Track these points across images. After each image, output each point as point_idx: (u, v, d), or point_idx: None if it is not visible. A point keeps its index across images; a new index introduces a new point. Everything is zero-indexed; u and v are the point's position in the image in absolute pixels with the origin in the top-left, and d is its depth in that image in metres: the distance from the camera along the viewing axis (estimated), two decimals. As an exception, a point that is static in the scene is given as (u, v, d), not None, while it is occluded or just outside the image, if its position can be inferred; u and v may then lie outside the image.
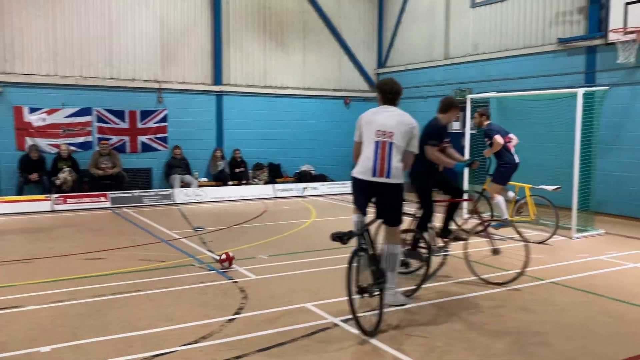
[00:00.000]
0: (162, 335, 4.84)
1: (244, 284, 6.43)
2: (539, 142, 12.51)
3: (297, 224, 10.57)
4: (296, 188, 15.20)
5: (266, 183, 15.42)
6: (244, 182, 15.18)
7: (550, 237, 8.92)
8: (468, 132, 11.38)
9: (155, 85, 14.65)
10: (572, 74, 12.21)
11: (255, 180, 15.57)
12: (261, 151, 16.19)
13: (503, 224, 9.05)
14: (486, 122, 9.65)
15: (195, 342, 4.69)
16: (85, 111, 13.84)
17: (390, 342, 4.71)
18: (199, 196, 13.81)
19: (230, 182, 14.97)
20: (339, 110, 17.42)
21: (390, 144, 5.05)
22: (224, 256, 7.15)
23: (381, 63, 18.04)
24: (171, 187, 14.03)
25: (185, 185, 14.27)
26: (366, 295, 4.79)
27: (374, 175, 5.02)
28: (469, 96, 11.71)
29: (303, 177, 16.19)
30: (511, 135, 9.63)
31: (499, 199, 9.38)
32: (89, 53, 13.85)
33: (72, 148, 13.56)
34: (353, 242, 4.97)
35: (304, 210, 12.52)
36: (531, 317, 5.39)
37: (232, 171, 15.29)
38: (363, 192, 5.17)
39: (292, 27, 16.64)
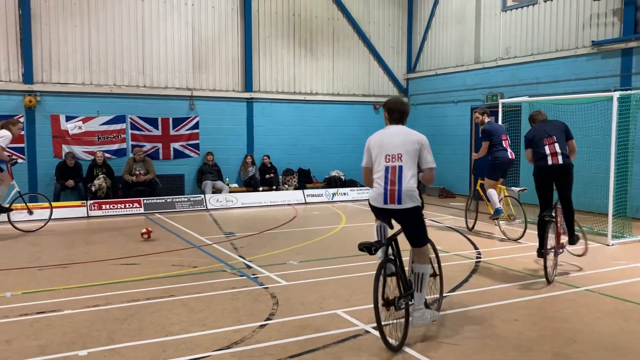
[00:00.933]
0: (195, 340, 4.91)
1: (275, 289, 6.47)
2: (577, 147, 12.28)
3: (327, 230, 10.60)
4: (326, 193, 15.24)
5: (296, 188, 15.50)
6: (274, 187, 15.29)
7: (522, 236, 9.32)
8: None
9: (187, 93, 14.89)
10: (607, 77, 11.98)
11: (285, 185, 15.66)
12: (291, 157, 16.29)
13: (497, 213, 9.60)
14: (487, 120, 10.00)
15: (228, 347, 4.74)
16: (119, 119, 14.14)
17: (422, 350, 4.69)
18: (230, 202, 13.95)
19: (260, 188, 15.09)
20: (369, 116, 17.40)
21: (400, 167, 4.87)
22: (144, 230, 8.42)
23: (411, 68, 17.98)
24: (203, 193, 14.22)
25: (216, 191, 14.44)
26: (392, 308, 4.71)
27: (385, 202, 4.87)
28: (501, 101, 11.59)
29: (333, 182, 16.22)
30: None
31: (491, 191, 9.68)
32: (122, 62, 14.17)
33: (107, 155, 13.86)
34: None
35: (334, 216, 12.54)
36: (566, 326, 5.30)
37: (263, 177, 15.42)
38: (381, 215, 5.07)
39: (321, 34, 16.73)
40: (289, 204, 14.40)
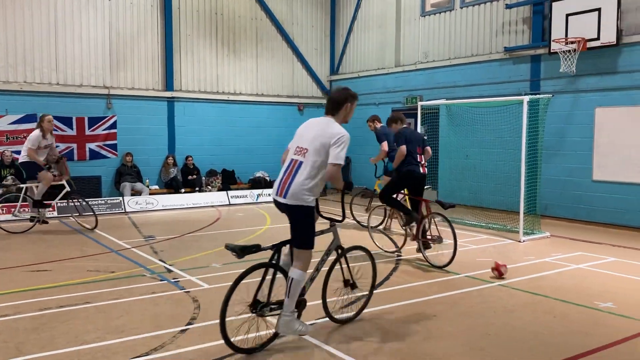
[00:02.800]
0: (112, 348, 4.72)
1: (196, 293, 6.34)
2: (488, 148, 12.89)
3: (252, 231, 10.51)
4: (251, 195, 15.12)
5: (220, 190, 15.28)
6: (196, 189, 15.00)
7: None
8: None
9: (104, 91, 14.33)
10: (518, 81, 12.63)
11: (209, 187, 15.40)
12: (214, 158, 16.04)
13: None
14: (379, 125, 10.09)
15: (147, 354, 4.59)
16: (30, 118, 13.37)
17: (343, 348, 4.73)
18: (151, 204, 13.55)
19: (182, 190, 14.76)
20: (293, 117, 17.45)
21: (300, 163, 4.76)
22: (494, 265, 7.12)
23: (334, 70, 18.19)
24: (121, 195, 13.72)
25: (136, 193, 13.98)
26: (263, 311, 4.67)
27: (276, 193, 4.80)
28: (420, 103, 11.95)
29: (257, 183, 16.12)
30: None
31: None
32: (33, 58, 13.43)
33: (16, 156, 13.07)
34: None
35: (258, 217, 12.46)
36: (480, 320, 5.52)
37: (185, 178, 15.09)
38: (276, 207, 4.91)
39: (244, 33, 16.60)
40: (212, 206, 14.17)
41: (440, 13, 14.69)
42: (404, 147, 7.95)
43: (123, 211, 13.07)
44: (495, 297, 6.31)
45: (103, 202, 13.07)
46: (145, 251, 8.66)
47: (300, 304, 4.84)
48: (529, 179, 10.08)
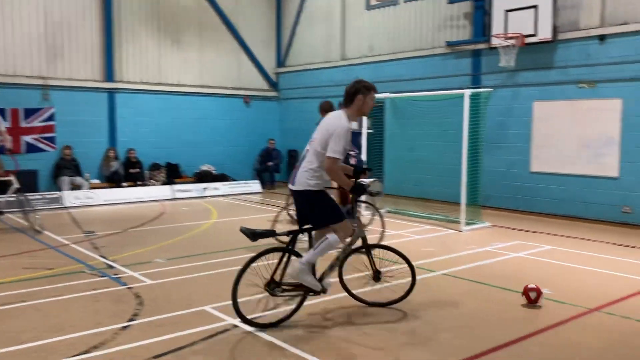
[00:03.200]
0: (50, 347, 4.56)
1: (139, 289, 6.20)
2: (431, 141, 13.15)
3: (197, 226, 10.36)
4: (196, 189, 14.89)
5: (164, 184, 14.97)
6: (139, 183, 14.64)
7: (370, 222, 8.85)
8: (365, 131, 11.71)
9: (40, 82, 13.75)
10: (460, 75, 12.92)
11: (152, 181, 15.06)
12: (158, 151, 15.68)
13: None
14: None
15: (87, 352, 4.46)
16: (-41, 109, 12.71)
17: (290, 340, 4.73)
18: (91, 199, 13.14)
19: (124, 184, 14.37)
20: (239, 109, 17.28)
21: (307, 151, 5.08)
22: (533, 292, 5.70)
23: (280, 62, 18.10)
24: (60, 189, 13.24)
25: (75, 187, 13.52)
26: (275, 291, 4.99)
27: (291, 182, 5.15)
28: (365, 96, 12.01)
29: (203, 177, 15.88)
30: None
31: None
32: (-38, 46, 12.74)
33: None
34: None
35: (204, 211, 12.29)
36: (424, 308, 5.63)
37: (127, 172, 14.69)
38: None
39: (187, 24, 16.26)
40: (156, 200, 13.87)
41: (384, 7, 14.83)
42: None
43: (62, 206, 12.62)
44: (439, 286, 6.45)
45: (40, 197, 12.57)
46: (85, 247, 8.39)
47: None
48: (471, 171, 10.35)
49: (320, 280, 5.15)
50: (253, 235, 5.00)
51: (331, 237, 4.96)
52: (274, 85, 18.07)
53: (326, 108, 8.52)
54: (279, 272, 5.01)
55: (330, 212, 5.03)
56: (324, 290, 5.15)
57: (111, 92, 14.89)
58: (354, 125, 14.46)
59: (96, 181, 14.39)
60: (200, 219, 11.19)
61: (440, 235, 9.45)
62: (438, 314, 5.49)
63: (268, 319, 5.13)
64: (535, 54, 11.50)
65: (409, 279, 5.60)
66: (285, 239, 5.20)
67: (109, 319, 5.22)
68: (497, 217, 11.28)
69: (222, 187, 15.34)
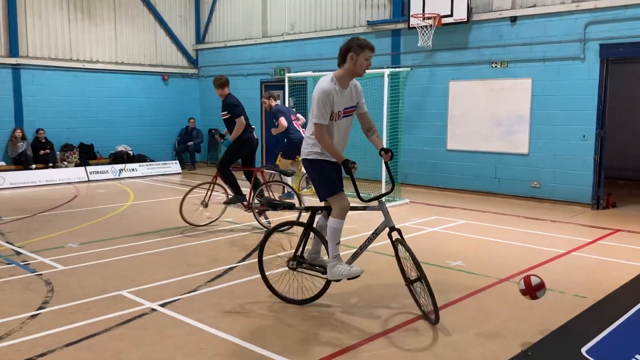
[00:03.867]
0: (-52, 341, 4.25)
1: (49, 276, 5.90)
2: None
3: (113, 208, 9.98)
4: (112, 170, 14.33)
5: (77, 165, 14.28)
6: (50, 165, 13.89)
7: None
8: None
9: None
10: (380, 55, 13.03)
11: (65, 162, 14.33)
12: (70, 131, 14.91)
13: (290, 194, 10.01)
14: (274, 104, 10.42)
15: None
16: None
17: (209, 322, 4.67)
18: (-3, 182, 12.34)
19: (33, 166, 13.59)
20: (157, 87, 16.71)
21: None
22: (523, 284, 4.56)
23: (200, 39, 17.61)
24: (-39, 173, 12.34)
25: (-22, 170, 12.64)
26: (299, 267, 5.08)
27: None
28: (287, 75, 11.96)
29: (119, 158, 15.28)
30: (298, 115, 10.66)
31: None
32: None
33: None
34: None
35: (121, 193, 11.85)
36: (350, 284, 5.71)
37: (36, 153, 13.88)
38: None
39: (100, -3, 15.45)
40: (69, 183, 13.23)
41: (306, -16, 14.70)
42: (243, 118, 8.24)
43: (-37, 190, 11.78)
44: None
45: (-62, 181, 11.68)
46: (-11, 233, 7.88)
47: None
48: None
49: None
50: (273, 205, 5.11)
51: (330, 222, 4.76)
52: (193, 62, 17.58)
53: (216, 84, 8.43)
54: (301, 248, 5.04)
55: (320, 186, 4.84)
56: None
57: (16, 68, 13.96)
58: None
59: (2, 163, 13.51)
60: (116, 201, 10.79)
61: (361, 213, 9.57)
62: (357, 287, 5.58)
63: (298, 295, 5.14)
64: (451, 34, 11.81)
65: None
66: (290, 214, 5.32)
67: (16, 308, 4.94)
68: (415, 194, 11.61)
69: (139, 168, 14.84)
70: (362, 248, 5.03)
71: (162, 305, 5.02)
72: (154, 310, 4.92)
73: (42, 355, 4.02)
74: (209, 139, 17.25)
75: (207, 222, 8.49)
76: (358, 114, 5.01)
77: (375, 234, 4.96)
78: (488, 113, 11.47)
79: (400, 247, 4.77)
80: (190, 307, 5.02)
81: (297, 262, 5.06)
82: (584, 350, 3.99)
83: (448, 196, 11.56)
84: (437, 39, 11.71)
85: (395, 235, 4.81)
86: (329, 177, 4.81)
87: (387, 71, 10.10)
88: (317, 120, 4.63)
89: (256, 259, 5.43)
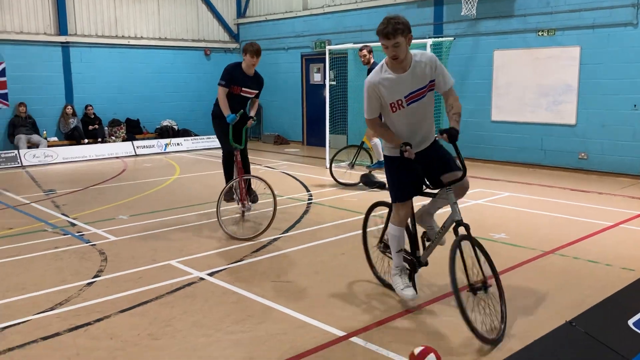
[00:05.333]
0: (13, 305, 4.53)
1: (102, 246, 6.16)
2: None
3: (160, 182, 10.26)
4: (158, 144, 14.68)
5: (124, 140, 14.69)
6: (99, 140, 14.33)
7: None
8: (328, 83, 11.63)
9: (-12, 36, 13.15)
10: (422, 25, 12.83)
11: (112, 137, 14.76)
12: (117, 106, 15.30)
13: (379, 165, 9.41)
14: (372, 60, 9.22)
15: (52, 309, 4.45)
16: None
17: (255, 290, 4.81)
18: (50, 157, 12.83)
19: (85, 141, 14.05)
20: (200, 62, 16.89)
21: None
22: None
23: (241, 13, 17.65)
24: (16, 148, 12.86)
25: (32, 145, 13.17)
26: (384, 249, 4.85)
27: None
28: (328, 47, 11.91)
29: (165, 132, 15.63)
30: None
31: (376, 140, 9.36)
32: None
33: None
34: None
35: (167, 167, 12.16)
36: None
37: (86, 129, 14.34)
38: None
39: (143, -27, 15.64)
40: (117, 157, 13.64)
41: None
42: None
43: (19, 165, 12.30)
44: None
45: (-4, 156, 12.22)
46: (46, 205, 8.25)
47: (411, 265, 4.49)
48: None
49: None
50: (369, 183, 5.01)
51: (389, 228, 4.44)
52: (234, 36, 17.67)
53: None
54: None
55: (390, 187, 4.44)
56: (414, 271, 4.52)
57: (65, 47, 14.34)
58: (317, 77, 14.03)
59: (54, 139, 14.02)
60: (162, 175, 11.08)
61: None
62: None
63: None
64: (495, 2, 11.49)
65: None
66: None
67: (73, 276, 5.20)
68: (459, 166, 11.47)
69: (184, 143, 15.15)
70: (430, 248, 4.47)
71: (210, 275, 5.20)
72: (202, 279, 5.11)
73: (98, 320, 4.24)
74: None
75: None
76: (440, 93, 4.28)
77: (444, 228, 4.28)
78: (534, 83, 11.18)
79: (466, 246, 3.98)
80: (237, 276, 5.19)
81: (384, 244, 4.80)
82: (630, 322, 3.95)
83: (492, 168, 11.40)
84: (481, 7, 11.42)
85: (461, 230, 4.05)
86: (398, 181, 4.30)
87: (429, 41, 9.94)
88: (365, 114, 4.30)
89: (299, 230, 5.55)
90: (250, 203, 7.10)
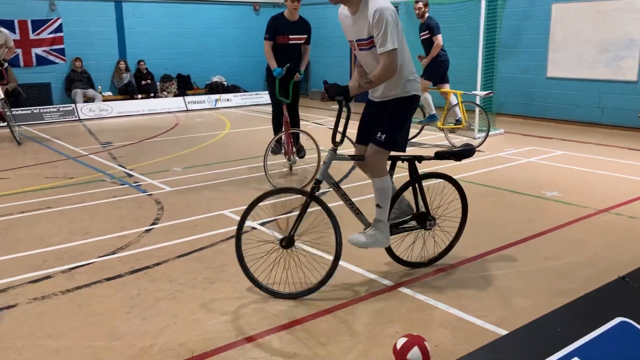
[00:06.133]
0: (78, 249, 4.80)
1: (158, 196, 6.40)
2: (446, 47, 12.82)
3: (212, 136, 10.46)
4: (208, 100, 14.88)
5: (176, 95, 14.96)
6: (152, 95, 14.64)
7: (482, 143, 8.83)
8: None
9: (46, -8, 13.46)
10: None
11: (164, 92, 15.05)
12: (169, 62, 15.53)
13: (431, 118, 9.32)
14: (427, 15, 9.09)
15: (113, 252, 4.70)
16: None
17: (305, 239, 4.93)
18: (105, 111, 13.22)
19: (139, 96, 14.38)
20: (249, 18, 16.86)
21: None
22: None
23: (290, -33, 17.38)
24: (73, 102, 13.30)
25: (88, 100, 13.58)
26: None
27: None
28: None
29: (214, 88, 15.81)
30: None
31: (426, 95, 9.20)
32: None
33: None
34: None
35: (217, 122, 12.36)
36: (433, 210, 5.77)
37: (139, 84, 14.65)
38: None
39: None
40: (169, 112, 13.93)
41: None
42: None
43: (77, 118, 12.74)
44: (448, 190, 6.56)
45: (55, 109, 12.68)
46: (103, 157, 8.57)
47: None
48: (486, 77, 10.19)
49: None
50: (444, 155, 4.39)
51: (381, 183, 4.18)
52: (283, -9, 17.49)
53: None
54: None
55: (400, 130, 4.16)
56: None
57: (118, 2, 14.55)
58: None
59: (108, 93, 14.41)
60: (213, 129, 11.28)
61: (457, 144, 9.45)
62: (446, 216, 5.63)
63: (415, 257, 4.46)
64: (557, -49, 10.95)
65: None
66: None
67: (132, 223, 5.44)
68: (511, 124, 11.23)
69: (234, 99, 15.30)
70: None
71: (262, 224, 5.35)
72: (254, 228, 5.26)
73: (157, 264, 4.46)
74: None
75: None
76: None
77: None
78: (594, 37, 10.71)
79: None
80: (287, 226, 5.31)
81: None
82: (686, 281, 3.87)
83: (546, 126, 11.10)
84: (541, -43, 10.92)
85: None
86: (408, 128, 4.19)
87: (484, -6, 9.60)
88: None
89: (347, 185, 5.59)
90: (296, 157, 7.20)
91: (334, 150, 3.90)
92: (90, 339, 3.34)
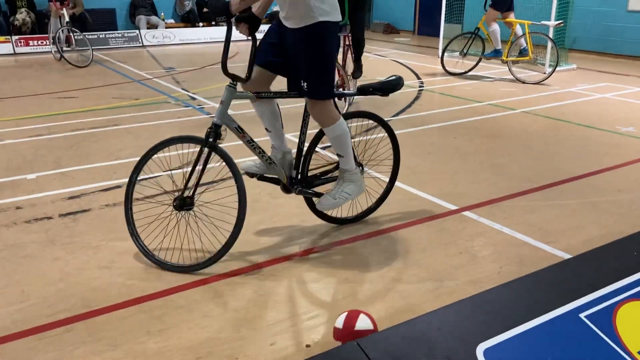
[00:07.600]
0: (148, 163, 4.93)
1: (221, 117, 6.45)
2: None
3: (271, 64, 10.39)
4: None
5: (237, 24, 14.84)
6: (213, 23, 14.58)
7: (548, 77, 8.56)
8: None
9: None
10: None
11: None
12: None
13: (495, 53, 8.96)
14: None
15: (180, 167, 4.80)
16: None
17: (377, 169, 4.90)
18: (168, 38, 13.31)
19: (200, 24, 14.38)
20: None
21: None
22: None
23: None
24: (137, 28, 13.44)
25: (151, 26, 13.68)
26: None
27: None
28: None
29: (275, 18, 15.57)
30: None
31: (495, 27, 8.86)
32: None
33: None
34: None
35: (277, 51, 12.24)
36: (501, 141, 5.61)
37: (200, 12, 14.61)
38: None
39: None
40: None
41: None
42: None
43: (140, 44, 12.91)
44: (518, 122, 6.35)
45: (120, 35, 12.86)
46: (167, 81, 8.70)
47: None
48: (560, 10, 9.59)
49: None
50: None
51: (338, 127, 3.53)
52: None
53: None
54: None
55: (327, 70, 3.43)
56: None
57: None
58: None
59: (171, 21, 14.46)
60: (274, 58, 11.19)
61: (521, 77, 9.07)
62: (514, 146, 5.46)
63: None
64: None
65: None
66: None
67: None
68: (584, 60, 10.64)
69: (294, 29, 15.06)
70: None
71: (322, 149, 5.33)
72: (316, 152, 5.24)
73: (222, 179, 4.54)
74: None
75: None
76: None
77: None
78: (686, -34, 9.83)
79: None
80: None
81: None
82: None
83: (623, 63, 10.45)
84: None
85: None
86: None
87: None
88: None
89: (409, 115, 5.47)
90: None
91: (232, 86, 3.30)
92: (153, 238, 3.47)
